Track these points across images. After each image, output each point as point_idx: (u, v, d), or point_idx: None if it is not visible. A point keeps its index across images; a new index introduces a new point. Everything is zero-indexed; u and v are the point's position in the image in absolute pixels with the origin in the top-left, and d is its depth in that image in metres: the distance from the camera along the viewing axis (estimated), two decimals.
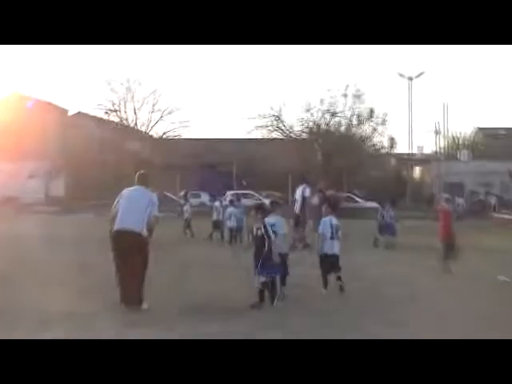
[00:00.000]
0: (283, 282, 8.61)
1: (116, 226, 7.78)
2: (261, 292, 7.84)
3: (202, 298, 8.49)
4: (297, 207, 15.94)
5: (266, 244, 7.74)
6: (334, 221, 9.21)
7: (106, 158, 40.82)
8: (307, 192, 16.04)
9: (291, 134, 44.93)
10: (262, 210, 8.14)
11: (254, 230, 7.90)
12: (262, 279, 7.77)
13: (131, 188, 8.15)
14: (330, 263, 8.92)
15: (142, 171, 8.39)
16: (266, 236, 7.79)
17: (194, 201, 43.91)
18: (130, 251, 7.63)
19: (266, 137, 45.28)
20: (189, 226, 18.30)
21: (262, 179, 41.84)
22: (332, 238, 9.05)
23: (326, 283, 8.94)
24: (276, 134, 45.09)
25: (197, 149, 45.07)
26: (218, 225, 17.91)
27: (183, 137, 46.64)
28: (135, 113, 45.63)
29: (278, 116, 44.29)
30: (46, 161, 43.96)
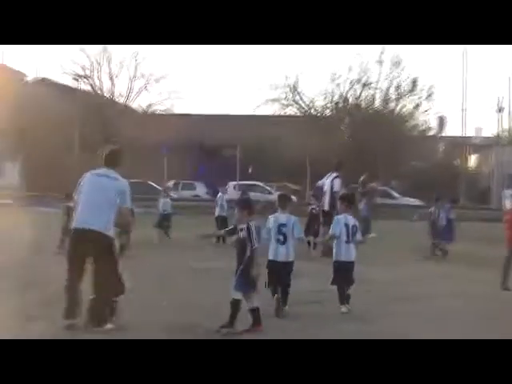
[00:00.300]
0: (284, 300, 8.91)
1: (74, 224, 7.80)
2: (253, 312, 7.85)
3: (191, 314, 8.49)
4: (325, 202, 15.59)
5: (248, 250, 7.73)
6: (351, 220, 9.42)
7: (73, 136, 40.33)
8: (336, 185, 15.71)
9: (311, 110, 44.37)
10: (248, 206, 8.10)
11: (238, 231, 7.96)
12: (236, 295, 7.75)
13: (96, 171, 8.05)
14: (344, 273, 9.18)
15: (110, 148, 8.28)
16: (248, 240, 7.77)
17: (186, 193, 43.99)
18: (91, 256, 7.65)
19: (278, 113, 44.72)
20: (165, 224, 18.51)
21: (273, 167, 41.36)
22: (348, 241, 9.28)
23: (344, 298, 9.15)
24: (292, 110, 44.51)
25: (191, 127, 44.59)
26: (224, 222, 17.38)
27: (174, 112, 46.08)
28: (112, 80, 44.94)
29: (294, 87, 43.61)
30: None
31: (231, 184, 39.22)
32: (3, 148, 43.29)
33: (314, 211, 16.58)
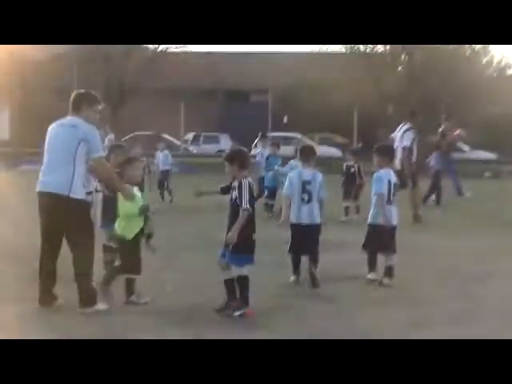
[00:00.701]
0: (313, 268, 9.15)
1: (37, 186, 7.87)
2: (228, 285, 7.83)
3: (202, 298, 8.48)
4: (397, 159, 15.61)
5: (241, 215, 7.58)
6: (393, 177, 9.64)
7: (71, 80, 40.45)
8: (408, 138, 15.90)
9: (359, 47, 43.93)
10: (239, 158, 7.82)
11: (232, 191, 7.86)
12: (227, 274, 7.74)
13: (58, 121, 8.06)
14: (386, 237, 9.40)
15: (74, 93, 8.24)
16: (239, 202, 7.62)
17: (208, 147, 43.84)
18: (59, 224, 7.74)
19: (318, 49, 44.33)
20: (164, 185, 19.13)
21: (313, 116, 41.19)
22: (389, 201, 9.50)
23: (374, 265, 9.48)
24: (335, 47, 44.12)
25: (212, 68, 44.51)
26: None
27: (190, 49, 45.90)
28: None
29: None
30: None
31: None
32: None
33: (351, 170, 16.62)
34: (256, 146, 36.16)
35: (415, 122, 16.32)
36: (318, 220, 9.36)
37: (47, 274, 7.87)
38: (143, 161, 9.83)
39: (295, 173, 9.57)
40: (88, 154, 7.70)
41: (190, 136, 43.78)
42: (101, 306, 7.80)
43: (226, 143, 41.07)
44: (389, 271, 9.35)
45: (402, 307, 8.23)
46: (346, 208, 16.22)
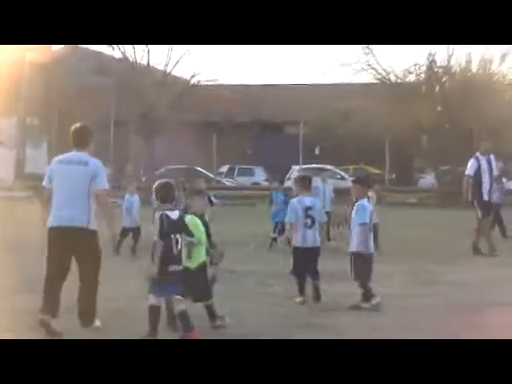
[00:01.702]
0: (317, 282, 10.08)
1: (52, 222, 8.40)
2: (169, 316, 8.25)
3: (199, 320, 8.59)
4: (484, 189, 16.03)
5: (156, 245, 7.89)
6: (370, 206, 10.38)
7: (108, 112, 40.88)
8: (471, 166, 16.19)
9: (389, 76, 43.91)
10: (160, 192, 8.13)
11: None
12: (151, 300, 7.97)
13: (63, 157, 8.67)
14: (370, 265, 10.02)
15: (77, 125, 8.87)
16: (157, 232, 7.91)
17: (243, 180, 43.92)
18: (75, 254, 8.36)
19: (349, 81, 44.37)
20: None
21: (345, 147, 41.19)
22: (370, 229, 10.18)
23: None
24: (366, 77, 44.12)
25: (245, 100, 44.69)
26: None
27: (222, 82, 46.17)
28: (146, 45, 44.87)
29: (368, 48, 43.32)
30: (17, 119, 44.45)
31: (295, 168, 39.24)
32: (27, 131, 44.19)
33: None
34: (289, 178, 36.45)
35: (483, 148, 16.60)
36: (319, 243, 10.24)
37: (57, 296, 8.37)
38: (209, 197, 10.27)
39: (296, 200, 10.33)
40: (95, 186, 8.35)
41: (225, 169, 44.00)
42: (97, 322, 8.42)
43: (260, 175, 41.28)
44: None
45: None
46: None
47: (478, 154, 16.42)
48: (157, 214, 7.98)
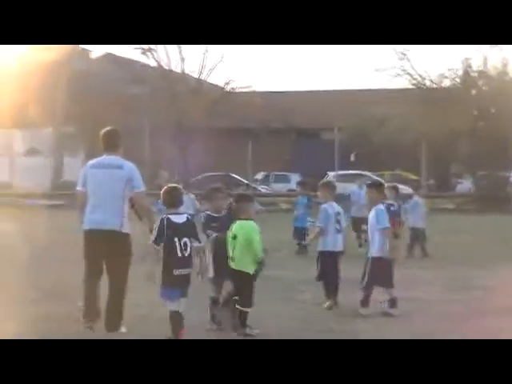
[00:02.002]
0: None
1: (86, 225, 8.58)
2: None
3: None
4: None
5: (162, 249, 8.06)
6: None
7: (142, 121, 41.10)
8: None
9: (425, 81, 43.69)
10: (164, 197, 8.30)
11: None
12: (170, 306, 8.09)
13: (96, 162, 8.77)
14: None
15: (106, 129, 9.04)
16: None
17: (279, 186, 43.99)
18: (107, 257, 8.50)
19: (384, 87, 44.21)
20: None
21: (379, 153, 41.02)
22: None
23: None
24: (401, 82, 43.95)
25: (280, 107, 44.72)
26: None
27: (256, 89, 46.18)
28: (180, 52, 44.95)
29: (403, 54, 43.12)
30: (53, 128, 44.87)
31: (331, 174, 39.13)
32: (63, 139, 44.52)
33: (391, 208, 16.06)
34: None
35: None
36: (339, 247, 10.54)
37: (95, 299, 8.61)
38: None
39: (328, 206, 10.51)
40: (132, 189, 8.51)
41: (261, 175, 44.05)
42: (123, 328, 8.48)
43: (295, 181, 41.23)
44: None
45: None
46: None
47: None
48: (159, 218, 8.11)
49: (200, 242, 8.30)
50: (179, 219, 8.06)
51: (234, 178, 40.90)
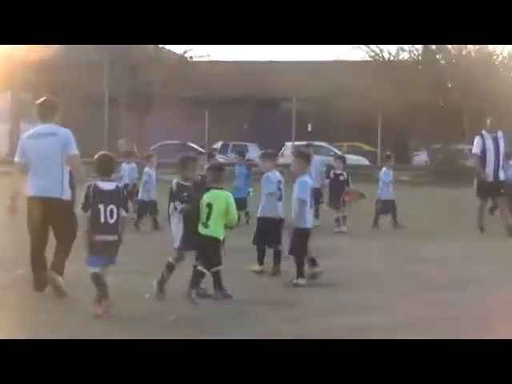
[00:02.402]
0: (279, 258, 10.56)
1: (30, 191, 8.89)
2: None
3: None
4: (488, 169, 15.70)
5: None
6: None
7: (101, 90, 40.89)
8: (501, 143, 15.82)
9: (383, 54, 43.99)
10: (96, 164, 8.36)
11: None
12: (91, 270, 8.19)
13: (32, 133, 9.14)
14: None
15: (42, 99, 9.48)
16: None
17: (235, 157, 43.59)
18: (51, 224, 8.87)
19: (342, 58, 44.41)
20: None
21: (338, 124, 41.27)
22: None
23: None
24: (358, 55, 44.27)
25: (238, 76, 44.70)
26: None
27: (214, 58, 46.11)
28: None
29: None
30: (12, 94, 44.54)
31: (288, 145, 39.25)
32: (22, 106, 44.16)
33: (340, 178, 16.57)
34: (283, 154, 36.45)
35: (490, 125, 16.21)
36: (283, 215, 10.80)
37: (40, 266, 8.91)
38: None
39: (270, 174, 10.74)
40: (66, 152, 8.82)
41: (218, 145, 44.09)
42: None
43: (254, 153, 41.33)
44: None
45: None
46: (337, 220, 16.27)
47: (483, 131, 15.91)
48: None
49: (127, 212, 8.39)
50: (108, 186, 8.14)
51: (190, 146, 40.94)
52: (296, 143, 37.92)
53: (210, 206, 8.94)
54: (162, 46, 41.87)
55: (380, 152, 40.55)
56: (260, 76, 47.51)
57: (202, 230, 8.97)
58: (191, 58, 44.95)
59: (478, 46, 42.05)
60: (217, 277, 8.90)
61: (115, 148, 36.63)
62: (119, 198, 8.18)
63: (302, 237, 10.03)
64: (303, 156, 10.66)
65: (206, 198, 9.01)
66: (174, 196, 9.07)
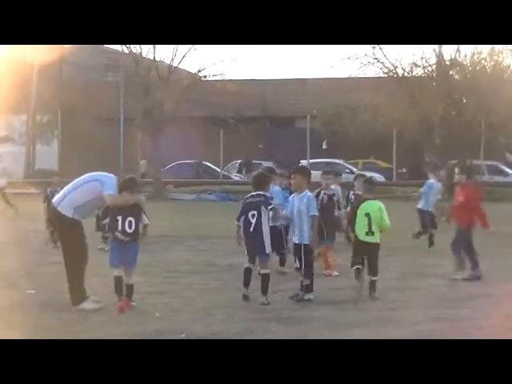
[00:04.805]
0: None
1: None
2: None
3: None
4: None
5: None
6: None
7: (115, 110, 41.09)
8: None
9: (397, 70, 43.99)
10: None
11: None
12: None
13: None
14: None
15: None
16: None
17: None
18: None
19: (355, 75, 44.42)
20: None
21: (351, 141, 41.31)
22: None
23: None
24: (373, 71, 44.21)
25: (252, 95, 44.83)
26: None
27: (228, 77, 46.13)
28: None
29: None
30: (27, 116, 44.79)
31: (303, 162, 39.25)
32: (37, 127, 44.46)
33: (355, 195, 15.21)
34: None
35: None
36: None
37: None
38: None
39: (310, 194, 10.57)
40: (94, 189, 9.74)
41: (237, 164, 44.32)
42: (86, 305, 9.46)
43: None
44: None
45: None
46: None
47: None
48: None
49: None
50: None
51: (206, 165, 41.19)
52: (311, 161, 38.00)
53: (368, 215, 10.28)
54: (176, 65, 42.08)
55: (395, 168, 40.60)
56: (274, 94, 47.69)
57: (366, 238, 10.33)
58: (205, 76, 45.04)
59: (492, 61, 42.09)
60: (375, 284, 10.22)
61: (132, 168, 37.02)
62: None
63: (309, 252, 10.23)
64: (301, 172, 10.61)
65: (364, 208, 10.40)
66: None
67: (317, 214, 10.16)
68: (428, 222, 16.39)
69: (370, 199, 10.59)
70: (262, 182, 10.45)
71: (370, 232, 10.35)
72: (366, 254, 10.49)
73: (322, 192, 12.80)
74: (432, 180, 16.94)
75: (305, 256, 10.10)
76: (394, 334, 8.09)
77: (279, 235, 11.77)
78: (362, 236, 10.43)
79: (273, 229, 10.66)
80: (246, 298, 10.03)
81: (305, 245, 10.11)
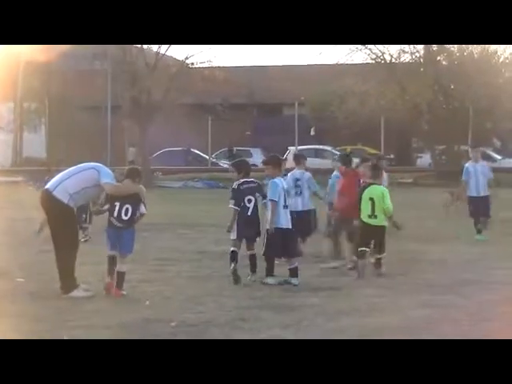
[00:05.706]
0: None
1: None
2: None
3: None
4: None
5: None
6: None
7: (104, 98, 40.98)
8: None
9: (384, 56, 43.99)
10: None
11: None
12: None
13: None
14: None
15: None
16: None
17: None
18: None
19: (344, 62, 44.42)
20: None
21: (339, 128, 41.31)
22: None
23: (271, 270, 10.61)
24: (359, 58, 44.28)
25: (237, 82, 44.70)
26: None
27: (215, 64, 46.03)
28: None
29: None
30: (14, 103, 44.62)
31: (291, 149, 39.24)
32: (25, 115, 44.31)
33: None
34: (286, 159, 36.30)
35: None
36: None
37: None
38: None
39: (277, 180, 10.72)
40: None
41: (225, 151, 44.31)
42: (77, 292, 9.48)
43: (258, 157, 41.40)
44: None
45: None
46: None
47: None
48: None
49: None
50: None
51: (194, 152, 41.15)
52: (299, 147, 38.01)
53: (372, 199, 10.75)
54: (163, 53, 41.91)
55: (383, 154, 40.64)
56: (262, 81, 47.61)
57: (370, 220, 10.81)
58: (192, 64, 44.89)
59: (480, 47, 42.10)
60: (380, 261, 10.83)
61: (119, 156, 36.98)
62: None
63: (277, 237, 10.32)
64: (272, 161, 10.91)
65: (367, 193, 10.85)
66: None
67: (274, 199, 10.39)
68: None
69: (374, 184, 10.99)
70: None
71: (373, 215, 10.84)
72: (373, 238, 10.95)
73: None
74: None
75: (266, 239, 10.41)
76: (385, 320, 8.10)
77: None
78: (365, 219, 10.92)
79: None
80: (235, 275, 10.24)
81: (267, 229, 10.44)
